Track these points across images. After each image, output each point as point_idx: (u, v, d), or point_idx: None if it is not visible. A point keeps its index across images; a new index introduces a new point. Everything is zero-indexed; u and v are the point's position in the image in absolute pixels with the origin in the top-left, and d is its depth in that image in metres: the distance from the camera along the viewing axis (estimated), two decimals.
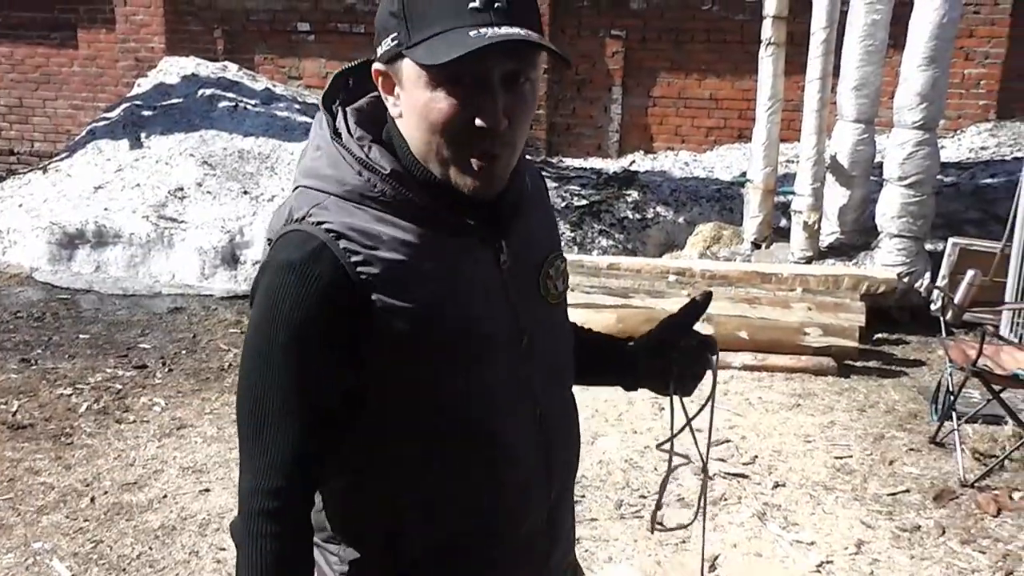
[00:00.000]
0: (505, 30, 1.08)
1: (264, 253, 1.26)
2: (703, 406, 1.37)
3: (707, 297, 1.47)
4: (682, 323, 1.48)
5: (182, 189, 7.57)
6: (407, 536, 1.28)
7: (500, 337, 1.26)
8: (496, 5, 1.08)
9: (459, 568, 1.31)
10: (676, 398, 1.44)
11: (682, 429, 1.42)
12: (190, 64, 9.32)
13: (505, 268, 1.26)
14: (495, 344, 1.26)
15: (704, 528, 1.45)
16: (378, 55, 1.18)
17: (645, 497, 3.80)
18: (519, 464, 1.30)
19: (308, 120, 8.59)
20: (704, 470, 1.37)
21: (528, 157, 1.37)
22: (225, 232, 6.94)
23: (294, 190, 1.26)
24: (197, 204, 7.39)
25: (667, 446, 1.43)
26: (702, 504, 1.41)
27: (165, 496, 3.80)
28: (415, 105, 1.15)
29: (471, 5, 1.08)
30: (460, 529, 1.29)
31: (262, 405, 1.18)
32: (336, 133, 1.22)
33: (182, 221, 7.20)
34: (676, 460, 1.35)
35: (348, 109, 1.27)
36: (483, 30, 1.07)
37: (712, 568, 3.34)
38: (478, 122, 1.12)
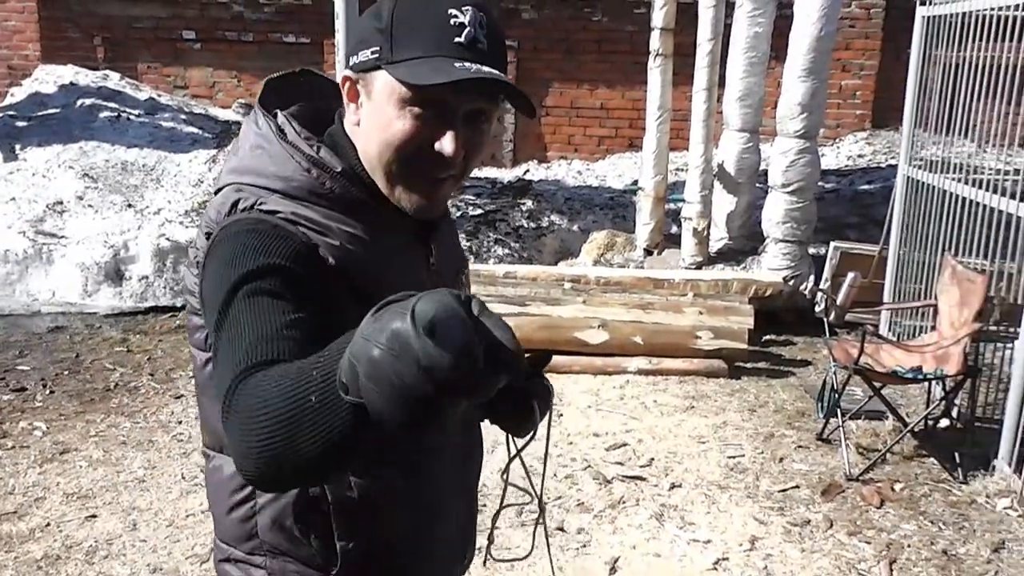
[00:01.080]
0: (487, 69, 1.13)
1: (197, 250, 1.21)
2: (527, 442, 1.40)
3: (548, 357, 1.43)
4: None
5: (61, 203, 7.28)
6: (333, 539, 1.28)
7: None
8: (479, 46, 1.14)
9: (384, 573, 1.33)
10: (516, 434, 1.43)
11: (510, 461, 1.44)
12: (68, 73, 8.97)
13: (434, 270, 1.33)
14: None
15: (551, 560, 1.47)
16: (351, 64, 1.21)
17: (546, 502, 3.82)
18: (443, 462, 1.37)
19: (195, 131, 8.38)
20: (540, 505, 1.39)
21: None
22: (109, 247, 6.69)
23: (222, 188, 1.24)
24: (78, 218, 7.11)
25: (509, 475, 1.45)
26: (541, 533, 1.43)
27: (48, 524, 3.62)
28: (378, 118, 1.19)
29: (456, 40, 1.13)
30: (384, 534, 1.31)
31: (236, 343, 1.02)
32: (281, 133, 1.24)
33: (62, 236, 6.91)
34: (515, 494, 1.38)
35: (285, 113, 1.29)
36: (467, 64, 1.12)
37: (613, 570, 3.38)
38: (437, 147, 1.17)
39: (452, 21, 1.14)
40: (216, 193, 1.26)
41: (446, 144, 1.17)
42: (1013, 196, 4.24)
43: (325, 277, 1.15)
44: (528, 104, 1.21)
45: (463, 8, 1.15)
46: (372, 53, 1.17)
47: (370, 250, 1.22)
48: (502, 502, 1.41)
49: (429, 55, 1.13)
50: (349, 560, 1.28)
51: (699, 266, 6.58)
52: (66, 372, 5.26)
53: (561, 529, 3.65)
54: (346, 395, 0.82)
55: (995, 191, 4.46)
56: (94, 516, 3.69)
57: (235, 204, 1.20)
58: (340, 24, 6.04)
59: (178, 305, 6.35)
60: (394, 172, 1.20)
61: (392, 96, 1.16)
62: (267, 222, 1.16)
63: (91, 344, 5.74)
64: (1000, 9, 4.47)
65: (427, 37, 1.14)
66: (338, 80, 1.27)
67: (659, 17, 6.77)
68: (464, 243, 7.23)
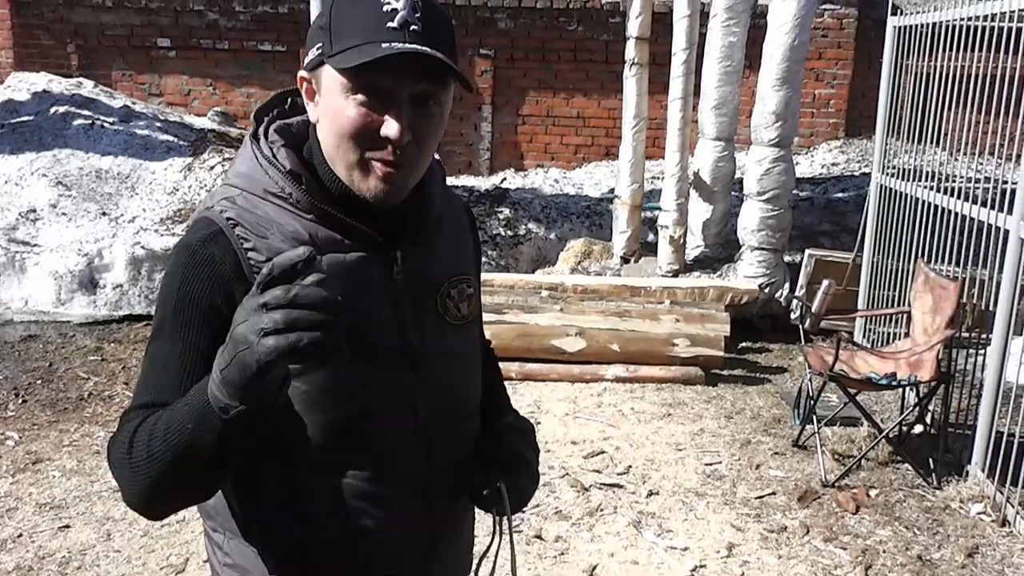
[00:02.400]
0: (412, 47, 1.16)
1: None
2: (488, 547, 1.43)
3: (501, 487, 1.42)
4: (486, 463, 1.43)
5: (35, 211, 7.21)
6: (279, 533, 1.31)
7: (382, 342, 1.30)
8: (412, 28, 1.18)
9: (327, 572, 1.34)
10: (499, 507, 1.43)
11: (481, 557, 1.47)
12: (41, 80, 8.89)
13: (399, 279, 1.31)
14: (374, 347, 1.29)
15: None
16: (304, 64, 1.27)
17: (524, 512, 3.82)
18: (393, 475, 1.33)
19: (170, 138, 8.33)
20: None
21: (463, 196, 1.41)
22: (83, 255, 6.63)
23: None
24: (51, 226, 7.05)
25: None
26: None
27: (20, 535, 3.58)
28: (328, 111, 1.23)
29: (389, 24, 1.17)
30: (327, 533, 1.32)
31: (154, 362, 1.26)
32: (255, 137, 1.32)
33: (35, 244, 6.84)
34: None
35: (278, 121, 1.35)
36: (396, 45, 1.16)
37: None
38: (382, 131, 1.20)
39: (385, 8, 1.18)
40: None
41: (390, 127, 1.19)
42: (984, 204, 4.29)
43: (245, 292, 1.16)
44: (462, 79, 1.23)
45: None
46: (317, 50, 1.23)
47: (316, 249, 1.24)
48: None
49: (364, 42, 1.17)
50: (276, 551, 1.32)
51: (675, 274, 6.62)
52: (39, 381, 5.21)
53: (539, 537, 3.65)
54: (226, 414, 1.04)
55: (966, 199, 4.52)
56: (67, 526, 3.66)
57: (207, 201, 1.30)
58: None
59: (154, 313, 6.29)
60: (349, 161, 1.24)
61: (336, 87, 1.21)
62: (205, 233, 1.25)
63: (64, 353, 5.69)
64: (969, 20, 4.54)
65: (361, 26, 1.18)
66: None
67: (634, 26, 6.81)
68: None
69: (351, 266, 1.27)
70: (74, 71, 9.86)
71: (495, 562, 1.43)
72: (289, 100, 1.40)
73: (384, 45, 1.15)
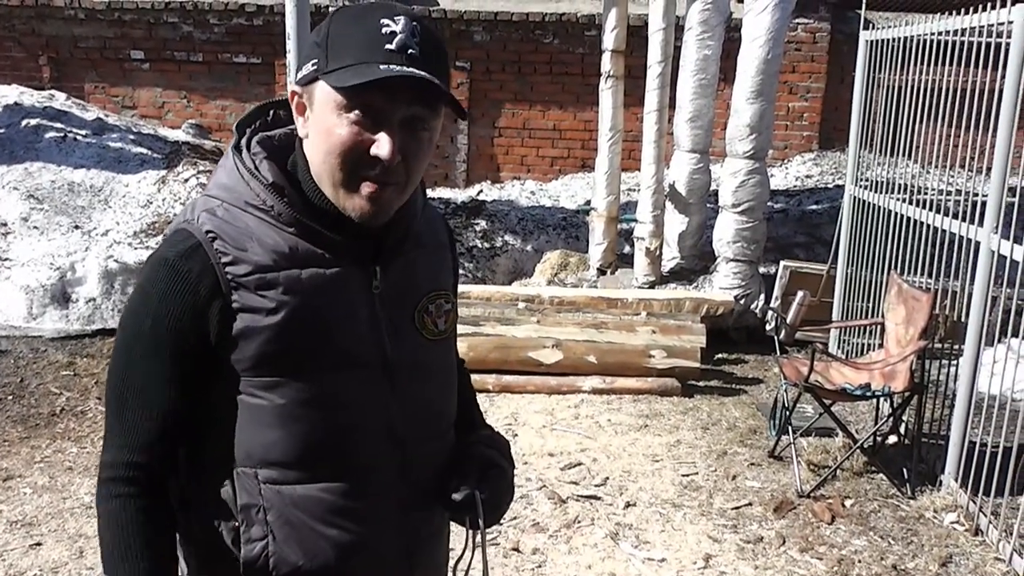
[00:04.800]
0: (411, 70, 1.18)
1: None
2: (459, 558, 1.45)
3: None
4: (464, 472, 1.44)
5: (5, 224, 7.13)
6: (244, 546, 1.31)
7: (359, 356, 1.31)
8: (409, 51, 1.19)
9: None
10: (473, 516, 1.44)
11: (454, 567, 1.48)
12: (12, 93, 8.80)
13: (377, 293, 1.32)
14: (352, 360, 1.30)
15: None
16: (297, 78, 1.27)
17: (501, 524, 3.81)
18: (367, 487, 1.34)
19: (144, 151, 8.27)
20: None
21: (442, 211, 1.42)
22: (55, 269, 6.56)
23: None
24: (23, 240, 6.97)
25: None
26: None
27: None
28: (319, 127, 1.24)
29: (387, 47, 1.19)
30: (299, 540, 1.32)
31: (126, 387, 1.28)
32: (237, 149, 1.32)
33: (6, 259, 6.76)
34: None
35: (262, 134, 1.35)
36: (393, 67, 1.18)
37: None
38: (373, 151, 1.21)
39: (384, 30, 1.20)
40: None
41: (382, 147, 1.21)
42: (955, 216, 4.34)
43: (222, 307, 1.24)
44: (456, 107, 1.24)
45: (395, 18, 1.21)
46: (312, 66, 1.23)
47: (298, 264, 1.26)
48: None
49: (360, 61, 1.19)
50: (253, 562, 1.31)
51: (652, 285, 6.64)
52: (10, 397, 5.14)
53: (516, 550, 3.64)
54: None
55: (938, 211, 4.57)
56: (39, 544, 3.60)
57: (186, 213, 1.30)
58: (292, 45, 6.01)
59: (119, 327, 6.23)
60: (337, 179, 1.24)
61: (329, 104, 1.22)
62: (182, 248, 1.25)
63: (36, 368, 5.62)
64: (940, 34, 4.60)
65: (359, 46, 1.20)
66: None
67: (610, 39, 6.84)
68: None
69: (331, 280, 1.28)
70: (46, 83, 9.78)
71: (467, 572, 1.43)
72: (272, 112, 1.40)
73: (382, 67, 1.17)
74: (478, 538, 1.39)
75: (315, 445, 1.29)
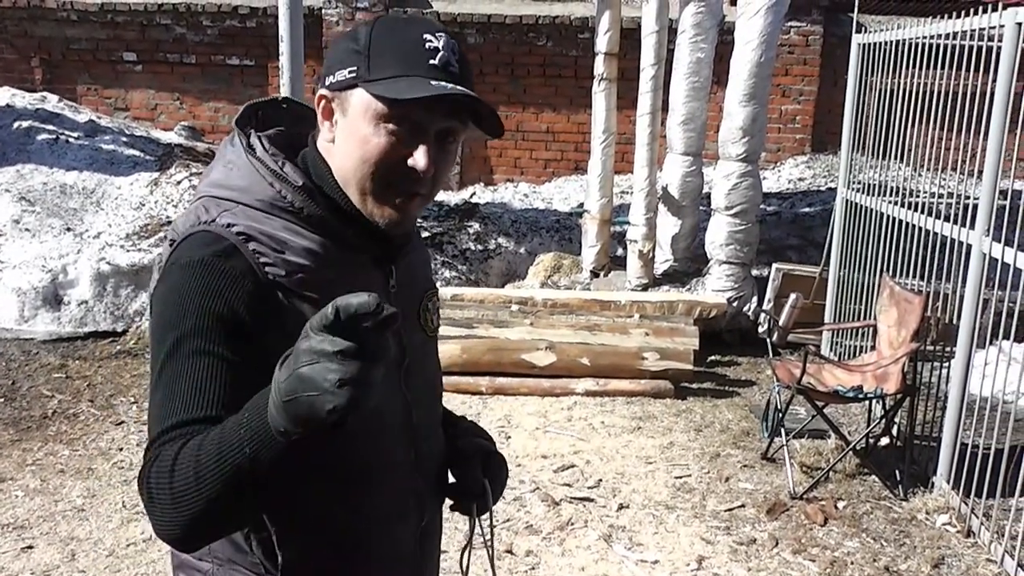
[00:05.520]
0: (461, 89, 1.20)
1: (161, 257, 1.28)
2: (468, 542, 1.48)
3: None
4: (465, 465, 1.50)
5: None
6: (280, 553, 1.28)
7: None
8: (451, 68, 1.22)
9: None
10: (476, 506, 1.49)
11: (465, 551, 1.52)
12: (4, 95, 8.78)
13: (393, 292, 1.34)
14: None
15: None
16: (327, 83, 1.26)
17: (495, 526, 3.81)
18: (392, 481, 1.36)
19: (136, 153, 8.25)
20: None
21: None
22: (47, 271, 6.54)
23: (196, 200, 1.30)
24: (14, 242, 6.95)
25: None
26: None
27: None
28: (354, 135, 1.23)
29: (431, 62, 1.21)
30: (330, 543, 1.31)
31: (175, 381, 1.15)
32: (250, 149, 1.29)
33: None
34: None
35: (260, 133, 1.33)
36: (443, 83, 1.19)
37: None
38: (410, 162, 1.22)
39: (427, 45, 1.21)
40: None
41: (419, 159, 1.22)
42: (947, 219, 4.36)
43: (271, 307, 1.20)
44: (498, 124, 1.28)
45: (436, 34, 1.23)
46: (349, 72, 1.22)
47: (328, 265, 1.25)
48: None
49: (406, 74, 1.19)
50: (290, 571, 1.29)
51: (644, 288, 6.64)
52: (1, 400, 5.12)
53: (510, 552, 3.64)
54: (286, 438, 1.00)
55: (930, 214, 4.59)
56: (31, 547, 3.59)
57: (199, 216, 1.25)
58: (285, 47, 6.01)
59: (119, 330, 6.23)
60: (368, 187, 1.25)
61: (367, 113, 1.21)
62: (215, 248, 1.19)
63: (28, 371, 5.60)
64: (932, 38, 4.62)
65: (403, 58, 1.21)
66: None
67: (603, 42, 6.85)
68: None
69: (362, 281, 1.26)
70: (38, 85, 9.76)
71: (466, 554, 1.49)
72: (260, 112, 1.39)
73: (433, 83, 1.19)
74: (485, 527, 1.45)
75: (345, 444, 1.27)
